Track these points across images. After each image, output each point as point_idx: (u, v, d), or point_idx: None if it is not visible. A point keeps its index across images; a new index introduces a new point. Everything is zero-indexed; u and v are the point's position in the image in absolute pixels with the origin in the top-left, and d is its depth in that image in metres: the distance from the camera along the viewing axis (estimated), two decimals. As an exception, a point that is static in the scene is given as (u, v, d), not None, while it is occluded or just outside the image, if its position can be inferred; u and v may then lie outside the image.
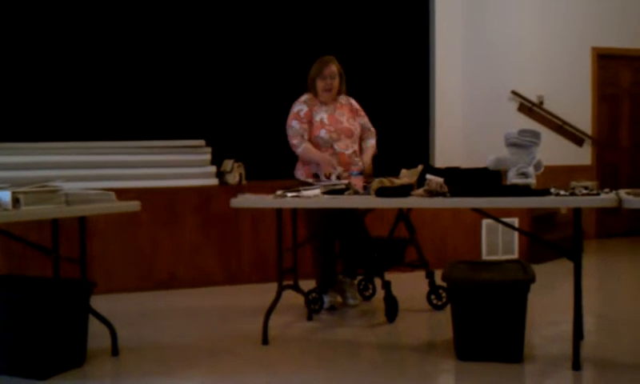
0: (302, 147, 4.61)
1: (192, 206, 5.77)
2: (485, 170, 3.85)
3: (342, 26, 7.31)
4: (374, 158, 4.91)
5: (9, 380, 3.35)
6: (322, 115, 4.65)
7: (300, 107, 4.68)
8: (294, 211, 4.51)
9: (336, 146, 4.62)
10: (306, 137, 4.62)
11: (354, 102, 4.86)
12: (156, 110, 6.63)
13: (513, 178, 3.74)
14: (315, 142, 4.63)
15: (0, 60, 6.17)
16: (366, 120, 4.87)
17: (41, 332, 3.35)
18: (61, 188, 3.51)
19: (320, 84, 4.67)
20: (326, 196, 3.90)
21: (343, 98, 4.81)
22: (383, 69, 7.55)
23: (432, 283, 4.77)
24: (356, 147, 4.75)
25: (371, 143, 4.88)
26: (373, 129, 4.89)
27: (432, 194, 3.59)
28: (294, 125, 4.64)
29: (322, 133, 4.61)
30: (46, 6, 6.35)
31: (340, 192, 3.94)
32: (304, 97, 4.74)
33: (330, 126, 4.63)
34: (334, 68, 4.69)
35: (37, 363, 3.36)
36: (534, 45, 7.96)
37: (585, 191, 3.50)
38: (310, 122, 4.64)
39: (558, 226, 7.36)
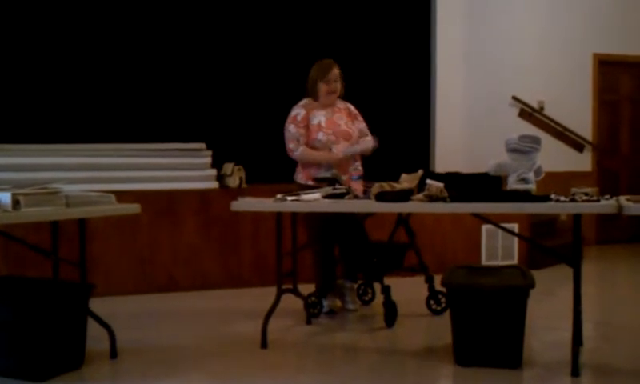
0: (299, 151, 4.62)
1: (192, 208, 5.77)
2: (485, 175, 3.85)
3: (343, 30, 7.31)
4: (375, 162, 4.91)
5: (7, 382, 3.35)
6: (319, 119, 4.65)
7: (297, 111, 4.68)
8: (294, 215, 4.51)
9: (334, 149, 4.62)
10: (302, 141, 4.62)
11: (352, 106, 4.86)
12: (157, 112, 6.63)
13: (513, 184, 3.74)
14: (313, 146, 4.63)
15: (1, 62, 6.18)
16: (363, 125, 4.85)
17: (39, 334, 3.35)
18: (61, 190, 3.51)
19: (324, 87, 4.67)
20: (325, 200, 3.90)
21: (341, 103, 4.82)
22: (384, 73, 7.56)
23: (431, 288, 4.77)
24: (355, 150, 4.75)
25: (369, 138, 4.76)
26: (370, 136, 4.83)
27: (432, 198, 3.59)
28: (290, 129, 4.65)
29: (320, 135, 4.61)
30: (48, 8, 6.36)
31: (340, 196, 3.95)
32: (302, 101, 4.74)
33: (327, 129, 4.63)
34: (336, 71, 4.70)
35: (35, 365, 3.36)
36: (534, 51, 7.98)
37: (585, 197, 3.50)
38: (307, 127, 4.64)
39: (558, 232, 7.37)
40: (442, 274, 3.76)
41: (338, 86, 4.71)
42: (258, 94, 6.99)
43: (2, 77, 6.19)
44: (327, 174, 4.43)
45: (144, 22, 6.68)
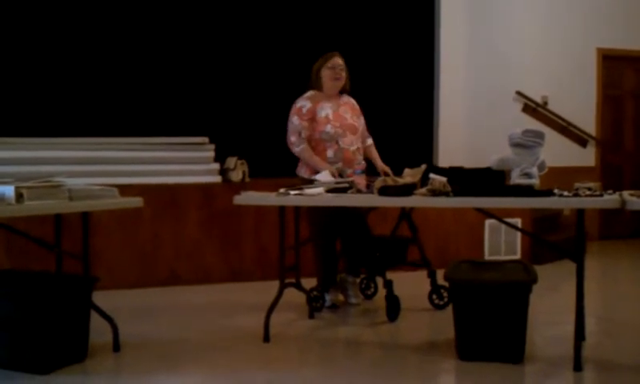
0: (300, 148, 4.61)
1: (195, 202, 5.77)
2: (488, 169, 3.85)
3: (347, 25, 7.29)
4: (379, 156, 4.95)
5: (11, 374, 3.36)
6: (327, 111, 4.65)
7: (303, 103, 4.67)
8: (297, 209, 4.51)
9: (341, 142, 4.62)
10: (304, 134, 4.60)
11: (355, 102, 4.88)
12: (160, 106, 6.62)
13: (516, 179, 3.73)
14: (320, 138, 4.62)
15: (4, 56, 6.18)
16: (364, 122, 4.90)
17: (43, 327, 3.36)
18: (64, 183, 3.52)
19: (327, 73, 4.66)
20: (328, 194, 3.90)
21: (345, 97, 4.82)
22: (388, 68, 7.53)
23: (434, 283, 4.77)
24: (360, 144, 4.76)
25: (371, 141, 4.95)
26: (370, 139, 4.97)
27: (435, 193, 3.59)
28: (293, 121, 4.64)
29: (328, 128, 4.61)
30: (49, 2, 6.35)
31: (343, 190, 3.94)
32: (307, 93, 4.73)
33: (335, 121, 4.63)
34: (339, 60, 4.70)
35: (39, 358, 3.37)
36: (538, 45, 7.95)
37: (588, 192, 3.50)
38: (313, 119, 4.63)
39: (561, 227, 7.36)
40: (444, 269, 3.76)
41: (343, 73, 4.70)
42: (261, 88, 6.98)
43: (5, 70, 6.19)
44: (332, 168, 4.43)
45: (146, 16, 6.66)
